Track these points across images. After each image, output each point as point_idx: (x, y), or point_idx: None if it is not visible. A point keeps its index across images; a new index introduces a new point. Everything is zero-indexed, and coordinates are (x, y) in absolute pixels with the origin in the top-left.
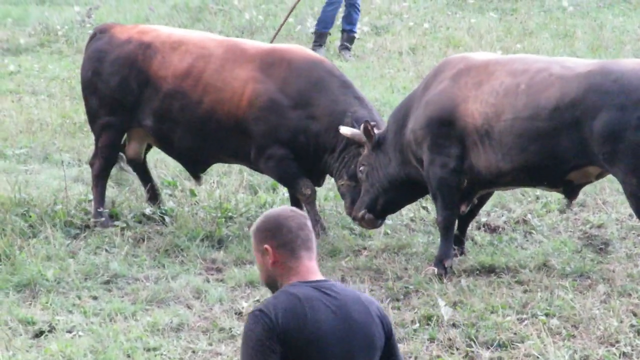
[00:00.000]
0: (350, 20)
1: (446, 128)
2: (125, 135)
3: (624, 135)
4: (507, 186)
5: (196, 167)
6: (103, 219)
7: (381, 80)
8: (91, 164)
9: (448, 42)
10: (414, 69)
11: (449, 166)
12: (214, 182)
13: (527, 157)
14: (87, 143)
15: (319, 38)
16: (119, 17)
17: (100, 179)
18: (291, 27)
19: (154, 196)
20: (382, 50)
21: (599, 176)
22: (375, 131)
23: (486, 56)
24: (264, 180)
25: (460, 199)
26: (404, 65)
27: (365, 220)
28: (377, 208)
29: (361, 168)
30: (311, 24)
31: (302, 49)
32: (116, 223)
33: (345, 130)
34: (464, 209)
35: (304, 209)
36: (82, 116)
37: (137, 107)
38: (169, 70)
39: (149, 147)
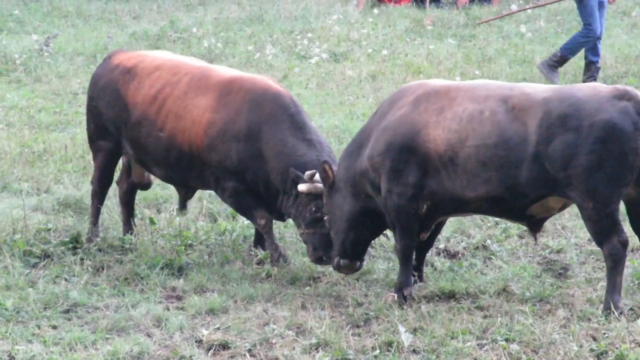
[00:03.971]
0: (596, 52)
1: (406, 154)
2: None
3: (579, 159)
4: (471, 213)
5: (186, 192)
6: (90, 235)
7: (341, 107)
8: (91, 182)
9: (407, 68)
10: (373, 96)
11: (407, 194)
12: (173, 210)
13: (489, 187)
14: (45, 172)
15: (561, 61)
16: (77, 46)
17: (95, 198)
18: (250, 55)
19: (129, 228)
20: (342, 77)
21: (562, 208)
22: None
23: (444, 82)
24: (223, 207)
25: (420, 227)
26: (364, 92)
27: (342, 267)
28: (347, 251)
29: (325, 217)
30: (270, 51)
31: (264, 81)
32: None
33: (302, 187)
34: (423, 236)
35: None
36: (40, 145)
37: (120, 133)
38: (139, 96)
39: None
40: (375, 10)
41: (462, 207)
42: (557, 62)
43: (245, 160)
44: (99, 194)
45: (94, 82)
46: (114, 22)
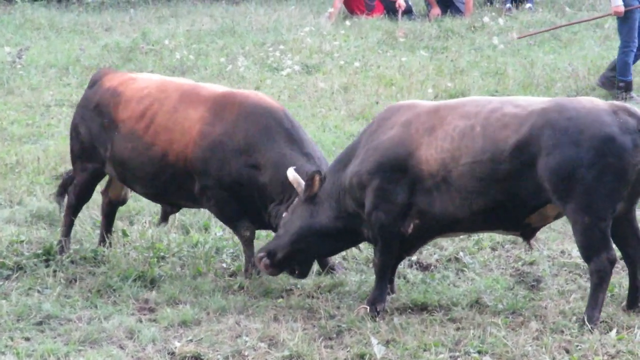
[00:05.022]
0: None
1: (397, 174)
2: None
3: (577, 172)
4: (461, 232)
5: (171, 209)
6: (61, 245)
7: (313, 119)
8: (68, 193)
9: (379, 80)
10: (345, 108)
11: (393, 212)
12: (146, 222)
13: (487, 200)
14: (18, 184)
15: (627, 86)
16: (49, 58)
17: (70, 209)
18: (222, 67)
19: (103, 240)
20: (314, 89)
21: (557, 217)
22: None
23: (434, 103)
24: (196, 220)
25: (411, 247)
26: (336, 104)
27: (262, 264)
28: (277, 256)
29: (284, 214)
30: (242, 63)
31: (257, 95)
32: (49, 264)
33: (291, 174)
34: (413, 254)
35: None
36: (13, 157)
37: (105, 153)
38: (126, 114)
39: None
40: (347, 22)
41: (454, 225)
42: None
43: (243, 173)
44: (74, 208)
45: (83, 105)
46: (86, 34)
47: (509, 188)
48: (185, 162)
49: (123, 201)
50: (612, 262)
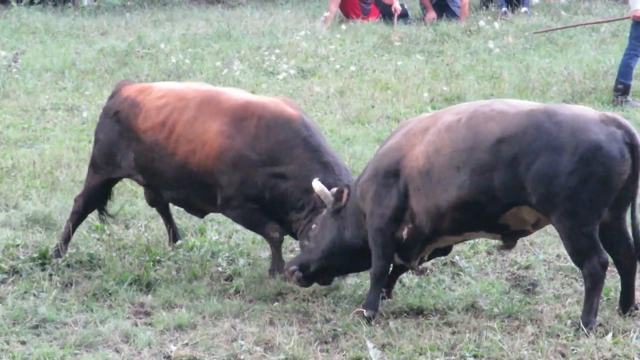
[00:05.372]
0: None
1: (390, 178)
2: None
3: (560, 178)
4: (448, 235)
5: (196, 214)
6: (57, 249)
7: None
8: (75, 200)
9: (375, 84)
10: (341, 112)
11: (387, 216)
12: (142, 226)
13: (462, 192)
14: (14, 188)
15: (625, 89)
16: (45, 62)
17: (75, 215)
18: (218, 71)
19: (174, 237)
20: (309, 93)
21: (536, 225)
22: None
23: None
24: (191, 223)
25: (409, 255)
26: (331, 108)
27: (294, 277)
28: (310, 269)
29: (313, 226)
30: (238, 67)
31: (276, 105)
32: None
33: (317, 185)
34: (414, 264)
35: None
36: (9, 161)
37: (126, 161)
38: (148, 124)
39: None
40: (343, 26)
41: (439, 223)
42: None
43: (267, 184)
44: (81, 214)
45: (104, 114)
46: (82, 38)
47: (483, 180)
48: (207, 173)
49: (159, 206)
50: (604, 265)
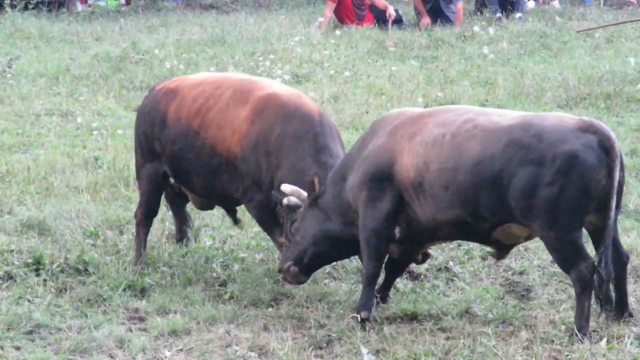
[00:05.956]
0: None
1: (383, 182)
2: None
3: (539, 190)
4: (447, 240)
5: (227, 210)
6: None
7: None
8: (135, 215)
9: (369, 89)
10: (335, 117)
11: (380, 219)
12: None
13: (454, 211)
14: (8, 193)
15: None
16: (39, 68)
17: (141, 227)
18: None
19: (181, 237)
20: None
21: (528, 237)
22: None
23: (421, 110)
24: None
25: (406, 255)
26: (326, 113)
27: (290, 273)
28: (304, 261)
29: (295, 224)
30: (233, 72)
31: (299, 98)
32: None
33: (285, 187)
34: (418, 258)
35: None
36: (3, 166)
37: (163, 152)
38: (183, 111)
39: None
40: (338, 32)
41: (435, 234)
42: None
43: (273, 173)
44: (145, 222)
45: (140, 113)
46: (76, 44)
47: (470, 201)
48: (234, 160)
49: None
50: (591, 269)
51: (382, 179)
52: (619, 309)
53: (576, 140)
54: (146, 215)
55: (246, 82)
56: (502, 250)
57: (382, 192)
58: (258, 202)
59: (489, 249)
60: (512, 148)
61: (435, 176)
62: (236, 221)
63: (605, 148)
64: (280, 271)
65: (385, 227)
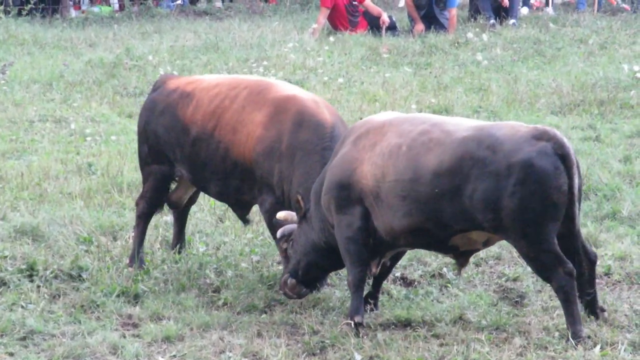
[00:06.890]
0: None
1: (346, 191)
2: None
3: (503, 202)
4: (406, 247)
5: (242, 210)
6: (139, 262)
7: None
8: (136, 204)
9: (363, 96)
10: None
11: (354, 225)
12: (129, 238)
13: (411, 220)
14: (2, 199)
15: None
16: (33, 74)
17: (141, 219)
18: None
19: (177, 243)
20: None
21: (487, 243)
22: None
23: (387, 116)
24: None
25: (372, 260)
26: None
27: (288, 286)
28: (299, 273)
29: (291, 239)
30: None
31: (316, 105)
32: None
33: (280, 214)
34: (374, 270)
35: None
36: None
37: (176, 155)
38: (199, 114)
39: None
40: (331, 38)
41: (396, 241)
42: None
43: (284, 179)
44: (146, 215)
45: (149, 107)
46: (70, 50)
47: (430, 210)
48: (248, 164)
49: (179, 207)
50: (571, 274)
51: (345, 187)
52: (592, 309)
53: (530, 148)
54: (149, 210)
55: (263, 83)
56: (460, 258)
57: (348, 200)
58: (269, 205)
59: (482, 254)
60: (467, 162)
61: (391, 186)
62: (246, 222)
63: (561, 155)
64: (281, 287)
65: (360, 233)
